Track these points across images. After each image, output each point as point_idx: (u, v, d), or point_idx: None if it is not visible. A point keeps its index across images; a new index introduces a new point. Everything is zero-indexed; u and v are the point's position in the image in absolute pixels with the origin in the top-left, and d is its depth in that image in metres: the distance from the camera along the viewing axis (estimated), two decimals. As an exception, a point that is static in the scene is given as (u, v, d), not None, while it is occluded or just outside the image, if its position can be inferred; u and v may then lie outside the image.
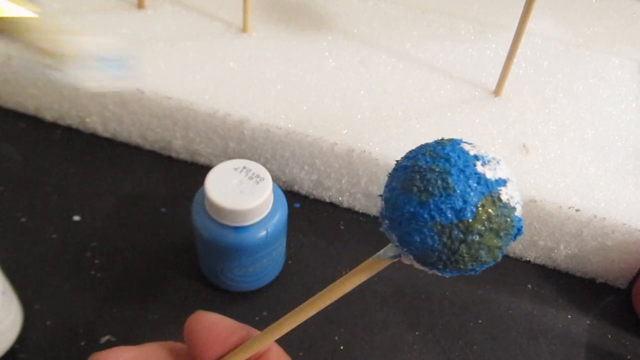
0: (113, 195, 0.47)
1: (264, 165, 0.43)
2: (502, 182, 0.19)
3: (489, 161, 0.19)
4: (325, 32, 0.54)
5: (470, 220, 0.19)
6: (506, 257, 0.46)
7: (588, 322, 0.43)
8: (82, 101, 0.49)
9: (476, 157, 0.19)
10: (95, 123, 0.50)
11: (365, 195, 0.47)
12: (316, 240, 0.46)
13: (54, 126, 0.52)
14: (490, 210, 0.19)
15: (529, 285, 0.45)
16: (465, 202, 0.19)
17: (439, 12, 0.58)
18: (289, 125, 0.45)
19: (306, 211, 0.48)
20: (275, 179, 0.48)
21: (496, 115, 0.48)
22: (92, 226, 0.45)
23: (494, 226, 0.19)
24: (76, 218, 0.45)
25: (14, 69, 0.49)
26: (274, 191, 0.38)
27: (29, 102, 0.51)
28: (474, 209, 0.19)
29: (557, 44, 0.56)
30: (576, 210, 0.42)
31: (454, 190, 0.19)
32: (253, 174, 0.37)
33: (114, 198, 0.47)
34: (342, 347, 0.40)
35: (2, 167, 0.48)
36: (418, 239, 0.19)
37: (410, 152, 0.20)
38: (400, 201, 0.20)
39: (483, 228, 0.19)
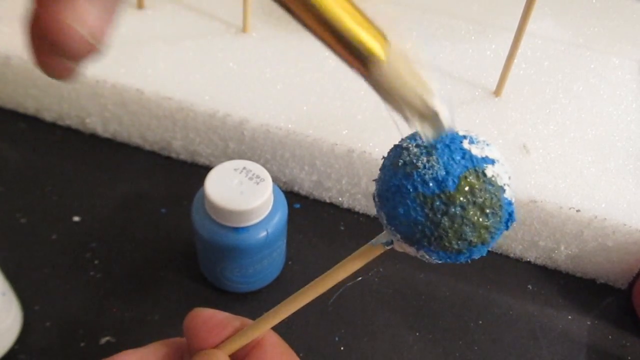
0: (113, 195, 0.47)
1: (264, 165, 0.43)
2: (490, 161, 0.19)
3: (477, 142, 0.19)
4: (325, 33, 0.54)
5: (452, 191, 0.18)
6: (506, 257, 0.46)
7: (588, 322, 0.43)
8: (82, 102, 0.49)
9: (464, 137, 0.19)
10: (95, 123, 0.50)
11: (366, 195, 0.47)
12: (316, 241, 0.46)
13: (53, 127, 0.52)
14: (473, 182, 0.19)
15: (529, 286, 0.45)
16: (447, 172, 0.18)
17: (439, 12, 0.58)
18: (289, 126, 0.45)
19: (306, 212, 0.47)
20: (275, 180, 0.48)
21: (496, 116, 0.48)
22: (92, 227, 0.44)
23: (478, 200, 0.19)
24: (76, 219, 0.45)
25: (14, 69, 0.49)
26: (274, 192, 0.38)
27: (29, 102, 0.51)
28: (457, 180, 0.18)
29: (557, 45, 0.56)
30: (577, 211, 0.42)
31: (437, 162, 0.19)
32: (253, 174, 0.37)
33: (113, 198, 0.47)
34: (342, 348, 0.40)
35: (2, 167, 0.48)
36: (402, 211, 0.19)
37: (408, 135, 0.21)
38: (387, 176, 0.20)
39: (466, 200, 0.18)
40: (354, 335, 0.40)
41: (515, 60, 0.47)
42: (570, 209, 0.42)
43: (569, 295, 0.44)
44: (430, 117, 0.19)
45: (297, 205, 0.48)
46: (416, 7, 0.58)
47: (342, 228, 0.47)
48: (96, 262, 0.42)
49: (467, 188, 0.18)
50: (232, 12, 0.54)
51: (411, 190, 0.19)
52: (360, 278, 0.43)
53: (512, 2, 0.48)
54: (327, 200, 0.48)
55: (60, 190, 0.47)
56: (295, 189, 0.48)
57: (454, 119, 0.20)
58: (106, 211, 0.46)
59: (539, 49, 0.55)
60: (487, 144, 0.20)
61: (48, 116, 0.51)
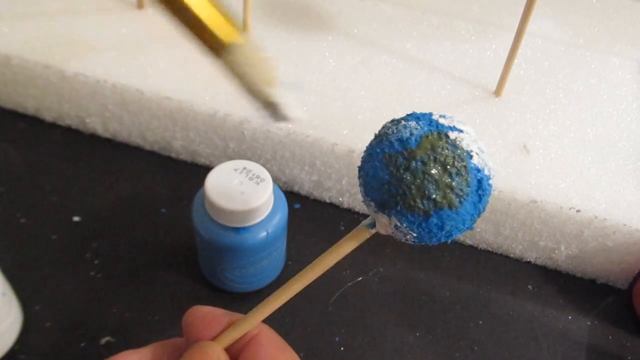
0: (113, 195, 0.47)
1: (264, 165, 0.43)
2: (456, 129, 0.20)
3: (449, 118, 0.21)
4: (325, 32, 0.54)
5: (413, 147, 0.20)
6: (507, 257, 0.46)
7: (588, 322, 0.43)
8: (82, 102, 0.49)
9: (438, 114, 0.21)
10: (95, 123, 0.50)
11: (366, 195, 0.46)
12: (316, 241, 0.46)
13: (54, 126, 0.52)
14: (435, 140, 0.20)
15: (529, 286, 0.45)
16: (411, 134, 0.20)
17: (439, 12, 0.58)
18: (289, 126, 0.45)
19: (306, 212, 0.47)
20: (275, 180, 0.48)
21: (497, 116, 0.48)
22: (92, 227, 0.44)
23: (439, 157, 0.20)
24: (76, 218, 0.45)
25: (14, 69, 0.49)
26: (274, 192, 0.38)
27: (29, 102, 0.51)
28: (419, 139, 0.20)
29: (557, 45, 0.56)
30: (577, 211, 0.42)
31: (405, 127, 0.20)
32: (253, 174, 0.37)
33: (114, 198, 0.47)
34: (342, 348, 0.40)
35: (2, 167, 0.48)
36: (371, 174, 0.21)
37: None
38: (365, 151, 0.22)
39: (426, 156, 0.20)
40: (354, 335, 0.40)
41: (516, 60, 0.47)
42: (570, 209, 0.42)
43: (569, 295, 0.44)
44: (272, 105, 0.23)
45: (297, 205, 0.48)
46: (416, 7, 0.58)
47: (342, 228, 0.47)
48: (96, 262, 0.42)
49: (428, 145, 0.20)
50: (232, 12, 0.54)
51: (379, 152, 0.20)
52: (360, 278, 0.43)
53: (512, 2, 0.48)
54: (327, 200, 0.48)
55: (60, 190, 0.47)
56: (296, 189, 0.48)
57: (298, 108, 0.23)
58: (106, 211, 0.46)
59: (539, 49, 0.55)
60: (462, 123, 0.21)
61: (48, 116, 0.51)
